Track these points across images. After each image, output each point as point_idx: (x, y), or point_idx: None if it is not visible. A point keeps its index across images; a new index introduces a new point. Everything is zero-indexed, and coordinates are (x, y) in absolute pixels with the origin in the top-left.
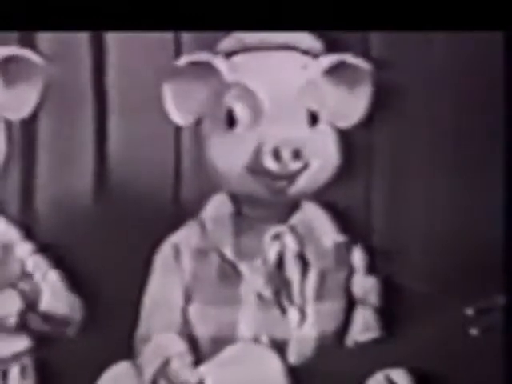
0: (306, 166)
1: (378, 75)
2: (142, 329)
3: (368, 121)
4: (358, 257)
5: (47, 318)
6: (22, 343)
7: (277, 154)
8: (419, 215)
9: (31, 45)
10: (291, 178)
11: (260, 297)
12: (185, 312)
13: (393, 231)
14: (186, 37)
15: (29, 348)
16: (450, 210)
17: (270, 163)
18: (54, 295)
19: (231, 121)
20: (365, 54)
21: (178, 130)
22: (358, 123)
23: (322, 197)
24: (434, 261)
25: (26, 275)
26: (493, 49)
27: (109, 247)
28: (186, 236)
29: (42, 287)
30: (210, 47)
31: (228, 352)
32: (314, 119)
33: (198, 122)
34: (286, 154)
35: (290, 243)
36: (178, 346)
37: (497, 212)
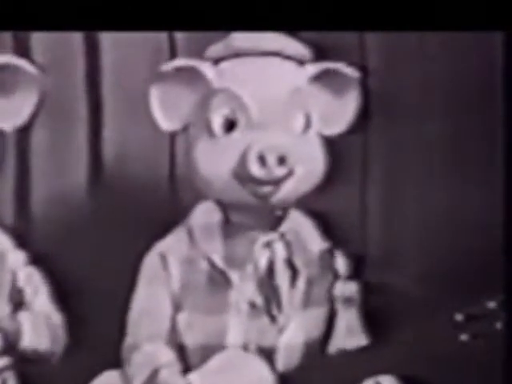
0: (291, 173)
1: (376, 76)
2: (129, 338)
3: (363, 124)
4: (340, 262)
5: (29, 353)
6: (3, 360)
7: (262, 160)
8: (414, 219)
9: (25, 54)
10: (276, 183)
11: (251, 305)
12: (173, 320)
13: (387, 236)
14: (181, 39)
15: (11, 364)
16: (447, 212)
17: (255, 169)
18: (36, 331)
19: (220, 127)
20: (364, 56)
21: (172, 133)
22: (348, 129)
23: (312, 203)
24: (426, 266)
25: (16, 290)
26: (493, 49)
27: (103, 254)
28: (173, 244)
29: (23, 324)
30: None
31: (217, 360)
32: (301, 126)
33: (185, 128)
34: (271, 160)
35: (280, 251)
36: (167, 355)
37: (496, 214)
